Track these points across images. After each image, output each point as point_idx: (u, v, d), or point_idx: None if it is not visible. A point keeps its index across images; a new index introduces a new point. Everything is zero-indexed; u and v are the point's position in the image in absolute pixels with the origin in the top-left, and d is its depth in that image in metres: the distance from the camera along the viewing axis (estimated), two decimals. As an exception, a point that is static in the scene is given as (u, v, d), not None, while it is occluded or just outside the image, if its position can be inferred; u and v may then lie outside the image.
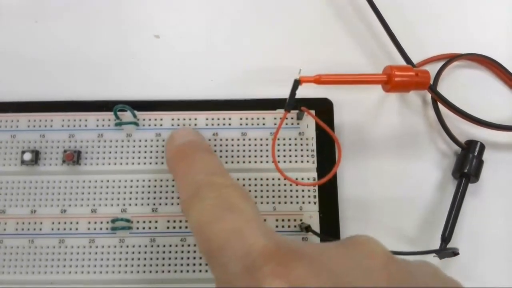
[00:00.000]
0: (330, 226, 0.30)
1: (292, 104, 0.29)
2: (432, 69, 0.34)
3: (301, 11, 0.36)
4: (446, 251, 0.29)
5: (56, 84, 0.34)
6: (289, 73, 0.32)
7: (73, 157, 0.30)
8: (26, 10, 0.35)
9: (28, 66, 0.34)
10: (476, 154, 0.32)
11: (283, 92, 0.31)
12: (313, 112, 0.31)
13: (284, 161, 0.31)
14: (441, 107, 0.33)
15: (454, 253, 0.29)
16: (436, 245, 0.31)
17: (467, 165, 0.32)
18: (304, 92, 0.30)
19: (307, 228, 0.28)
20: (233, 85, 0.34)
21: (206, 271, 0.29)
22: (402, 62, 0.34)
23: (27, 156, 0.30)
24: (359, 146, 0.33)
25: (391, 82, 0.29)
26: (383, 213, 0.32)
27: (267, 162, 0.31)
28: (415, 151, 0.33)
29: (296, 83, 0.29)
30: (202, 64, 0.35)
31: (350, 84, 0.30)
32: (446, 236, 0.30)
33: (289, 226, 0.30)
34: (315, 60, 0.34)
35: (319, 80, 0.29)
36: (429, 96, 0.34)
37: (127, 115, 0.31)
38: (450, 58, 0.34)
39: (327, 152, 0.31)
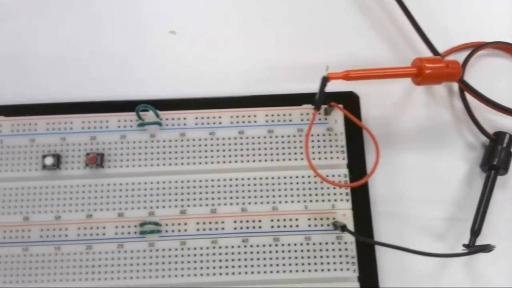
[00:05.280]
0: (363, 223, 0.29)
1: (322, 102, 0.28)
2: (457, 58, 0.33)
3: (321, 4, 0.35)
4: (481, 247, 0.28)
5: (74, 85, 0.33)
6: (310, 68, 0.32)
7: (97, 160, 0.29)
8: (41, 8, 0.34)
9: (44, 66, 0.33)
10: (505, 145, 0.31)
11: (306, 87, 0.31)
12: (341, 107, 0.30)
13: (313, 158, 0.30)
14: (468, 97, 0.32)
15: (489, 249, 0.28)
16: (465, 238, 0.30)
17: (496, 157, 0.31)
18: (328, 85, 0.29)
19: (343, 228, 0.28)
20: (255, 81, 0.33)
21: (240, 273, 0.28)
22: (426, 53, 0.33)
23: (49, 161, 0.29)
24: (386, 140, 0.33)
25: (421, 74, 0.29)
26: (412, 208, 0.32)
27: (295, 159, 0.30)
28: (442, 144, 0.33)
29: (325, 81, 0.28)
30: (222, 60, 0.34)
31: (379, 79, 0.29)
32: (476, 230, 0.30)
33: (322, 225, 0.29)
34: (337, 54, 0.33)
35: (347, 76, 0.28)
36: (455, 86, 0.33)
37: (149, 115, 0.30)
38: (476, 47, 0.33)
39: (355, 147, 0.31)
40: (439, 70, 0.29)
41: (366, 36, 0.35)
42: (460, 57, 0.34)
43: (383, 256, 0.30)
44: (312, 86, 0.31)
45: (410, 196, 0.32)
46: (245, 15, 0.35)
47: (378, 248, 0.30)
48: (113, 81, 0.33)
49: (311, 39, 0.34)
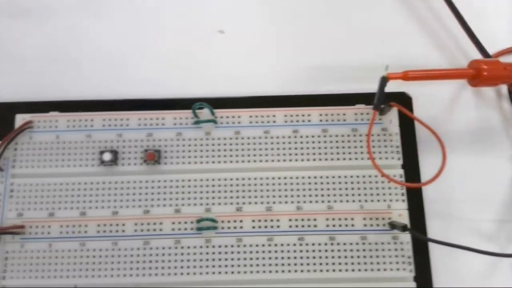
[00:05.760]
0: (417, 224, 0.30)
1: (381, 102, 0.28)
2: (505, 61, 0.33)
3: (370, 5, 0.35)
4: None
5: (129, 82, 0.33)
6: (361, 68, 0.32)
7: (155, 157, 0.30)
8: (97, 6, 0.34)
9: (98, 63, 0.33)
10: (556, 148, 0.31)
11: (358, 87, 0.31)
12: (396, 108, 0.30)
13: (368, 158, 0.30)
14: (517, 100, 0.33)
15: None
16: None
17: (546, 159, 0.31)
18: (371, 86, 0.30)
19: (404, 227, 0.28)
20: (303, 80, 0.33)
21: (295, 271, 0.29)
22: (474, 54, 0.33)
23: (107, 156, 0.30)
24: (435, 141, 0.33)
25: (479, 76, 0.29)
26: (462, 209, 0.32)
27: (350, 159, 0.30)
28: (492, 145, 0.33)
29: (384, 80, 0.28)
30: (274, 59, 0.34)
31: (437, 80, 0.30)
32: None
33: (377, 225, 0.29)
34: (384, 55, 0.33)
35: (406, 76, 0.29)
36: (504, 88, 0.34)
37: (204, 113, 0.31)
38: (525, 50, 0.33)
39: (408, 147, 0.31)
40: (496, 72, 0.29)
41: (414, 37, 0.35)
42: (507, 60, 0.34)
43: (434, 257, 0.30)
44: (364, 86, 0.32)
45: (459, 197, 0.32)
46: (296, 15, 0.35)
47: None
48: (168, 79, 0.33)
49: (362, 40, 0.34)
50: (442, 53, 0.35)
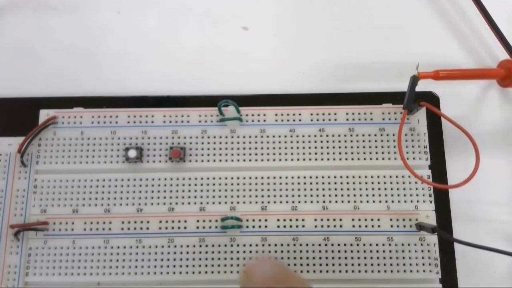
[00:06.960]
0: (443, 225, 0.29)
1: (412, 101, 0.28)
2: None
3: (396, 3, 0.35)
4: None
5: (152, 79, 0.32)
6: (388, 67, 0.31)
7: (180, 154, 0.29)
8: (111, 2, 0.34)
9: (121, 60, 0.33)
10: None
11: (380, 86, 0.31)
12: (423, 108, 0.30)
13: (395, 158, 0.30)
14: (546, 101, 0.32)
15: None
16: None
17: None
18: (397, 85, 0.30)
19: (434, 229, 0.27)
20: (329, 79, 0.33)
21: (321, 271, 0.28)
22: (501, 54, 0.33)
23: (132, 153, 0.29)
24: (462, 141, 0.32)
25: (510, 76, 0.28)
26: (487, 211, 0.31)
27: (377, 159, 0.30)
28: (518, 147, 0.32)
29: (415, 79, 0.28)
30: (299, 57, 0.33)
31: (467, 79, 0.29)
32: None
33: (404, 226, 0.29)
34: (410, 54, 0.33)
35: (437, 75, 0.28)
36: (531, 90, 0.33)
37: (230, 111, 0.30)
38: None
39: (435, 147, 0.30)
40: (527, 72, 0.29)
41: (440, 37, 0.35)
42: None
43: (459, 258, 0.29)
44: (390, 85, 0.31)
45: (485, 198, 0.31)
46: (323, 12, 0.34)
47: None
48: (193, 76, 0.32)
49: (388, 38, 0.34)
50: (468, 53, 0.34)
